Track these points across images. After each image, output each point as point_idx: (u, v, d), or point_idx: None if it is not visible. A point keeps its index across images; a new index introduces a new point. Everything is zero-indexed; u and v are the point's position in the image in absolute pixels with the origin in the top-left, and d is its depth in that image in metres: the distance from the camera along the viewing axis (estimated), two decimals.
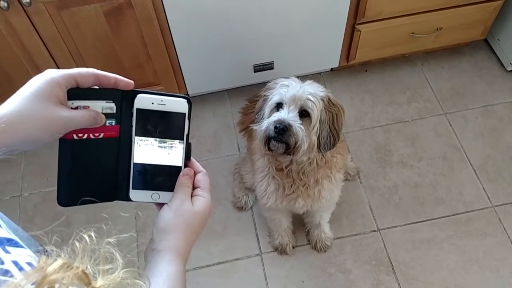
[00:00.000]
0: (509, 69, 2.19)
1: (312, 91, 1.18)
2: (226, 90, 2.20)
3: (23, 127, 0.51)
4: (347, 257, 1.75)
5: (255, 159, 1.44)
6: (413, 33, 1.99)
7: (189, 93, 2.08)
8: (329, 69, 2.25)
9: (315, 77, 2.23)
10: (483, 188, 1.88)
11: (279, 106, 1.20)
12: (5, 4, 1.44)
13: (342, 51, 2.05)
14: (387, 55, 2.15)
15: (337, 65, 2.13)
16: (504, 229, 1.78)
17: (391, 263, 1.72)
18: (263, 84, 2.15)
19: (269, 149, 1.20)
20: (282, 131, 1.14)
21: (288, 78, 1.25)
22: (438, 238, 1.77)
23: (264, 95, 1.27)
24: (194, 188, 0.62)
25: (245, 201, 1.83)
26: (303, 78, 2.19)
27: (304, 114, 1.18)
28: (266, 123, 1.18)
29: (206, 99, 2.17)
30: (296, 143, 1.16)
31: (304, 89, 1.18)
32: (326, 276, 1.71)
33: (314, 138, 1.18)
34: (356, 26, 1.91)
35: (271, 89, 1.26)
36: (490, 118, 2.08)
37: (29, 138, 0.51)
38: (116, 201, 0.62)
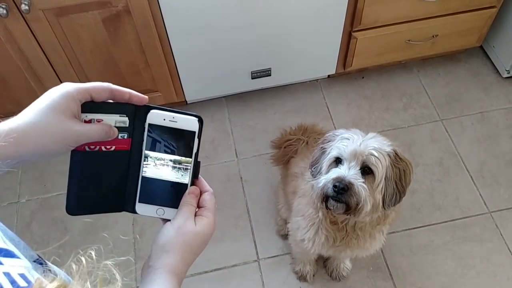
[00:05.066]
0: (504, 75, 2.20)
1: (376, 146, 1.06)
2: (224, 96, 2.21)
3: (37, 139, 0.51)
4: None
5: (301, 203, 1.34)
6: (409, 40, 2.01)
7: (186, 99, 2.09)
8: (326, 76, 2.26)
9: (312, 83, 2.25)
10: (480, 194, 1.89)
11: (338, 161, 1.09)
12: (4, 11, 1.44)
13: (339, 58, 2.06)
14: (383, 62, 2.17)
15: (334, 72, 2.14)
16: (501, 234, 1.78)
17: (389, 269, 1.73)
18: (260, 91, 2.17)
19: (327, 207, 1.11)
20: (342, 190, 1.03)
21: (349, 130, 1.14)
22: (435, 243, 1.78)
23: (322, 147, 1.16)
24: (199, 207, 0.61)
25: (287, 229, 1.66)
26: (300, 84, 2.24)
27: (367, 171, 1.06)
28: (324, 180, 1.07)
29: (204, 105, 2.18)
30: (358, 204, 1.05)
31: (367, 143, 1.06)
32: (323, 282, 1.71)
33: (379, 197, 1.07)
34: (353, 34, 1.93)
35: (329, 141, 1.14)
36: (486, 124, 2.09)
37: (42, 150, 0.52)
38: (115, 218, 0.63)
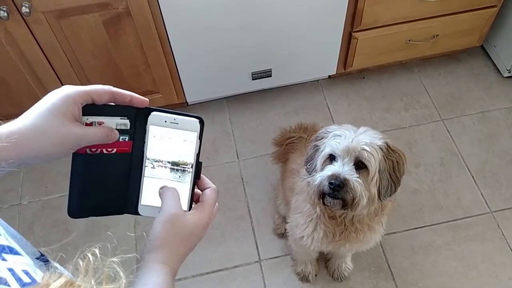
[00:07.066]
0: (505, 75, 2.20)
1: (368, 141, 1.08)
2: (224, 97, 2.21)
3: (37, 142, 0.51)
4: None
5: (299, 200, 1.36)
6: (409, 40, 2.01)
7: (187, 100, 2.09)
8: (327, 76, 2.26)
9: (313, 84, 2.25)
10: (481, 194, 1.88)
11: (332, 158, 1.12)
12: (5, 14, 1.45)
13: (340, 59, 2.06)
14: (384, 62, 2.17)
15: (334, 72, 2.14)
16: (503, 234, 1.78)
17: (390, 269, 1.73)
18: (261, 92, 2.18)
19: (324, 204, 1.13)
20: (338, 187, 1.06)
21: (341, 126, 1.16)
22: (437, 243, 1.78)
23: (315, 145, 1.18)
24: (198, 201, 0.62)
25: (285, 228, 1.69)
26: (301, 85, 2.24)
27: (360, 165, 1.09)
28: (320, 178, 1.10)
29: (205, 107, 2.18)
30: (354, 199, 1.08)
31: (359, 139, 1.09)
32: (325, 282, 1.71)
33: (374, 190, 1.10)
34: (353, 34, 1.93)
35: (321, 138, 1.17)
36: (487, 123, 2.09)
37: (42, 153, 0.52)
38: (117, 218, 0.63)
